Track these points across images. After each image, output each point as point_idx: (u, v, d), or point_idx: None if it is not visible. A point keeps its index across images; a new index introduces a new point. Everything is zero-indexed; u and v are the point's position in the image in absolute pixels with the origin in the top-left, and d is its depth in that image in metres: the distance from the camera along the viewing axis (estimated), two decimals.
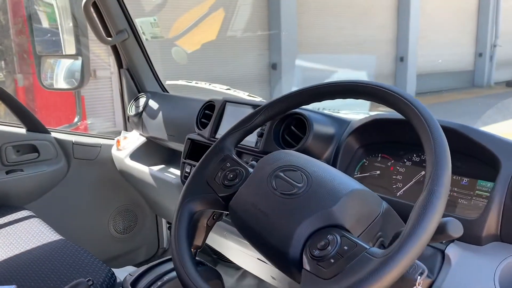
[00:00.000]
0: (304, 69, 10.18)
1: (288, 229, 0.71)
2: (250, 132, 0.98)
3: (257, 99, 1.83)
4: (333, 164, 1.17)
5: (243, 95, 1.92)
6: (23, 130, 1.86)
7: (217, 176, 0.90)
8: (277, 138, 1.27)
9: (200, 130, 1.52)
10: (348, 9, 10.20)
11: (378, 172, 1.14)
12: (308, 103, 0.91)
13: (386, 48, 11.15)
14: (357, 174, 1.18)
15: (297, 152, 0.87)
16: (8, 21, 6.98)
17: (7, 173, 1.79)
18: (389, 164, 1.13)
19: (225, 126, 1.45)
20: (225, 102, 1.50)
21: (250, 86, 9.65)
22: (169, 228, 2.32)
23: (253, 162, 0.93)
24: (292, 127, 1.25)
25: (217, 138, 1.45)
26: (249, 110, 1.42)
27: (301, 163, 0.81)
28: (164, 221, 2.27)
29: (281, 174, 0.80)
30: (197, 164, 0.95)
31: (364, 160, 1.18)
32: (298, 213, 0.72)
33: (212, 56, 8.26)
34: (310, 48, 10.38)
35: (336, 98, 0.85)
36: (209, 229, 0.93)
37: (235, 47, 9.08)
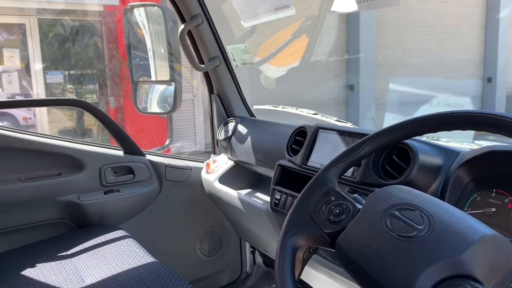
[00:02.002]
0: (383, 91, 9.90)
1: (409, 276, 0.65)
2: (354, 164, 0.93)
3: (348, 124, 1.79)
4: (441, 199, 1.08)
5: (332, 120, 1.89)
6: (121, 153, 1.97)
7: (321, 210, 0.86)
8: (376, 168, 1.21)
9: (291, 156, 1.50)
10: (431, 29, 9.79)
11: (493, 209, 1.04)
12: (422, 134, 0.85)
13: (472, 68, 10.52)
14: (467, 211, 1.08)
15: (412, 188, 0.81)
16: (104, 47, 7.59)
17: (105, 193, 1.89)
18: (506, 201, 1.02)
19: (318, 154, 1.42)
20: (317, 129, 1.47)
21: (326, 107, 9.55)
22: (253, 253, 2.31)
23: (357, 196, 0.88)
24: (394, 156, 1.18)
25: (309, 166, 1.43)
26: (344, 138, 1.37)
27: (418, 201, 0.75)
28: (247, 245, 2.27)
29: (397, 213, 0.74)
30: (299, 196, 0.92)
31: (476, 195, 1.08)
32: (421, 259, 0.66)
33: (287, 77, 8.31)
34: (389, 69, 10.08)
35: (461, 130, 0.78)
36: (305, 262, 0.90)
37: (313, 69, 9.07)
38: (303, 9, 7.74)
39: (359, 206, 0.82)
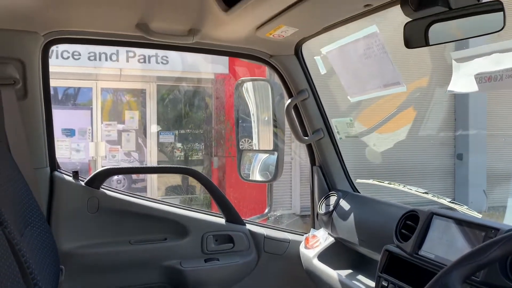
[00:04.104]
0: (496, 160, 9.06)
1: None
2: (481, 268, 0.83)
3: (463, 208, 1.63)
4: None
5: (445, 201, 1.74)
6: (222, 220, 2.01)
7: None
8: (504, 268, 1.06)
9: (401, 242, 1.39)
10: None
11: None
12: None
13: None
14: None
15: None
16: (212, 111, 8.13)
17: (205, 261, 1.92)
18: None
19: (432, 243, 1.30)
20: (432, 215, 1.35)
21: (432, 177, 8.97)
22: None
23: None
24: None
25: (421, 256, 1.30)
26: (463, 229, 1.24)
27: None
28: None
29: None
30: None
31: None
32: None
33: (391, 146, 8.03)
34: (502, 137, 9.25)
35: None
36: None
37: (418, 138, 8.68)
38: (411, 81, 7.58)
39: None
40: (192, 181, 8.02)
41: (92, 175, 1.80)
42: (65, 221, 1.74)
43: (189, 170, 2.11)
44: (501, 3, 1.10)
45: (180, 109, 8.37)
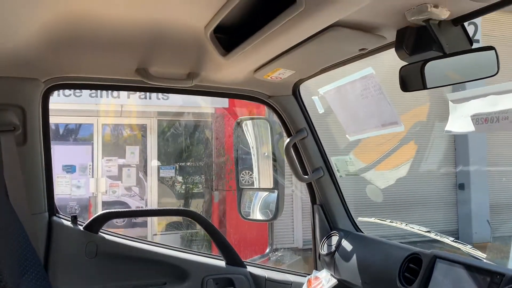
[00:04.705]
0: (498, 189, 9.00)
1: None
2: None
3: (467, 247, 1.61)
4: None
5: (448, 240, 1.71)
6: (223, 263, 1.97)
7: None
8: None
9: (404, 286, 1.36)
10: None
11: None
12: None
13: None
14: None
15: None
16: (212, 144, 8.15)
17: None
18: None
19: None
20: (435, 258, 1.33)
21: (433, 207, 8.90)
22: None
23: None
24: None
25: None
26: (468, 273, 1.22)
27: None
28: None
29: None
30: None
31: None
32: None
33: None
34: (503, 165, 9.21)
35: None
36: None
37: (418, 167, 8.65)
38: (410, 116, 7.63)
39: None
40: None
41: (90, 219, 1.79)
42: (63, 267, 1.71)
43: (189, 212, 2.10)
44: (494, 49, 1.12)
45: (180, 143, 8.40)
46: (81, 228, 1.77)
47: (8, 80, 1.54)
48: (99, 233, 1.79)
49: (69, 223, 1.76)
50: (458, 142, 9.09)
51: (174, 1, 1.21)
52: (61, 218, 1.76)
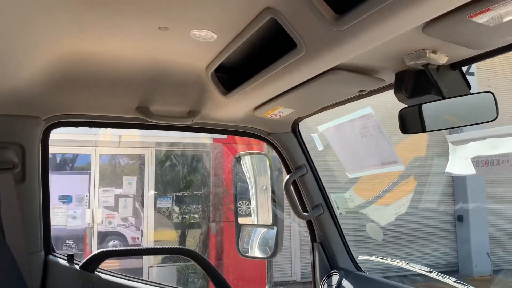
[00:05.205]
0: (497, 222, 8.93)
1: None
2: None
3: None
4: None
5: (449, 280, 1.69)
6: None
7: None
8: None
9: None
10: None
11: None
12: None
13: None
14: None
15: None
16: (210, 175, 8.12)
17: None
18: None
19: None
20: None
21: (433, 240, 8.81)
22: None
23: None
24: None
25: None
26: None
27: None
28: None
29: None
30: None
31: None
32: None
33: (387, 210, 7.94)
34: (502, 196, 9.19)
35: None
36: None
37: (417, 201, 8.62)
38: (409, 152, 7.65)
39: None
40: (189, 245, 7.85)
41: (87, 258, 1.75)
42: None
43: (185, 251, 2.07)
44: (492, 94, 1.14)
45: (178, 172, 8.37)
46: (77, 267, 1.73)
47: (8, 118, 1.54)
48: (96, 272, 1.76)
49: (65, 262, 1.72)
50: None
51: (176, 43, 1.23)
52: (57, 257, 1.72)
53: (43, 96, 1.50)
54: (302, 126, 2.04)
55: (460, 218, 9.24)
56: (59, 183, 7.27)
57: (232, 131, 2.02)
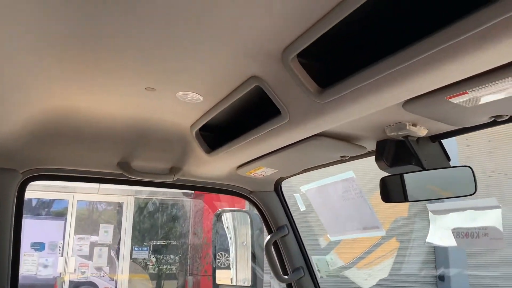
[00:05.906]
0: (480, 280, 8.84)
1: None
2: None
3: None
4: None
5: None
6: None
7: None
8: None
9: None
10: None
11: None
12: None
13: None
14: None
15: None
16: (189, 226, 7.95)
17: None
18: None
19: None
20: None
21: None
22: None
23: None
24: None
25: None
26: None
27: None
28: None
29: None
30: None
31: None
32: None
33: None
34: (483, 256, 9.15)
35: None
36: None
37: (398, 263, 8.51)
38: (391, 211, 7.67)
39: None
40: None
41: None
42: None
43: None
44: (471, 168, 1.16)
45: (156, 221, 8.18)
46: None
47: None
48: None
49: None
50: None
51: (162, 103, 1.24)
52: None
53: (22, 149, 1.47)
54: (284, 185, 2.04)
55: (441, 278, 9.14)
56: (33, 229, 7.01)
57: (214, 189, 1.99)
